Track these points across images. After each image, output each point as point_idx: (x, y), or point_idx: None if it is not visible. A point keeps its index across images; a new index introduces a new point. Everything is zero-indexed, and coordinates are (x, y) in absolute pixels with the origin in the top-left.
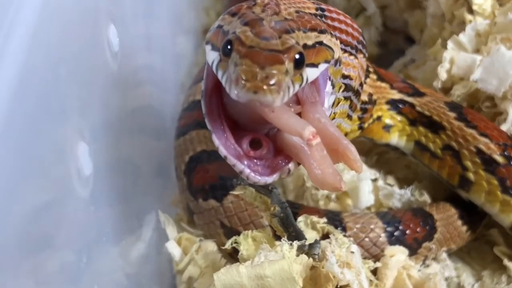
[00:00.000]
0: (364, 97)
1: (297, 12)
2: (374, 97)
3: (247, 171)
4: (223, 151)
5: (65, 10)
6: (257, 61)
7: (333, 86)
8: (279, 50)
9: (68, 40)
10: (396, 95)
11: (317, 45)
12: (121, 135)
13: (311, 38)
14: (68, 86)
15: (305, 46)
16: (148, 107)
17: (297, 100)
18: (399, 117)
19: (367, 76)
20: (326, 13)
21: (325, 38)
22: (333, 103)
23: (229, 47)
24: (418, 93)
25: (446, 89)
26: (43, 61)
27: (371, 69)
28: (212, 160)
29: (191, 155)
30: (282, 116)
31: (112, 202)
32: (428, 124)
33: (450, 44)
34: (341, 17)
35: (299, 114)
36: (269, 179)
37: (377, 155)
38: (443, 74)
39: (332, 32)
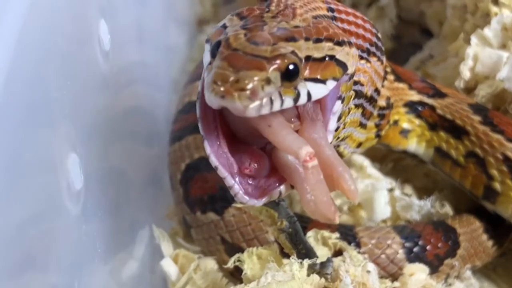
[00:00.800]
0: (382, 102)
1: (315, 17)
2: (392, 100)
3: (237, 188)
4: (214, 161)
5: (54, 5)
6: (234, 65)
7: (342, 101)
8: (265, 56)
9: (57, 38)
10: (414, 96)
11: (326, 59)
12: (111, 142)
13: (322, 49)
14: (56, 89)
15: (308, 58)
16: (139, 109)
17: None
18: (417, 121)
19: (384, 79)
20: (335, 13)
21: (340, 52)
22: (341, 116)
23: (218, 49)
24: (439, 94)
25: (469, 89)
26: (30, 62)
27: (388, 69)
28: (211, 168)
29: (188, 163)
30: (279, 131)
31: (103, 218)
32: (450, 129)
33: (473, 39)
34: (351, 18)
35: (298, 131)
36: (257, 203)
37: (393, 162)
38: (466, 73)
39: (352, 40)
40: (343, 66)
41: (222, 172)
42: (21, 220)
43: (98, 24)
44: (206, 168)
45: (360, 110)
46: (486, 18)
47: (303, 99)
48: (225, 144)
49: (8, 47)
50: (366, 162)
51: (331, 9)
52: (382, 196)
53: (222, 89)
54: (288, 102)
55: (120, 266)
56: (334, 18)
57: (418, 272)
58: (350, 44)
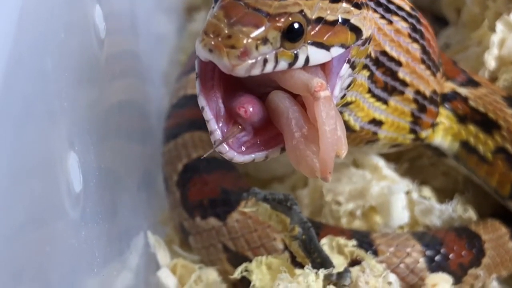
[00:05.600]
0: (426, 90)
1: None
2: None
3: (218, 134)
4: (202, 100)
5: None
6: (231, 16)
7: (353, 68)
8: (267, 12)
9: (54, 25)
10: (448, 86)
11: (338, 23)
12: (105, 139)
13: (337, 11)
14: (55, 83)
15: (319, 20)
16: (131, 103)
17: None
18: (447, 113)
19: (438, 71)
20: None
21: (356, 16)
22: (351, 84)
23: None
24: (472, 83)
25: (494, 80)
26: (28, 54)
27: (441, 60)
28: (212, 169)
29: (186, 163)
30: (289, 70)
31: (100, 224)
32: (481, 122)
33: (499, 25)
34: None
35: None
36: (237, 157)
37: (408, 161)
38: (491, 62)
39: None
40: (357, 31)
41: (208, 114)
42: (19, 224)
43: (94, 9)
44: (205, 169)
45: (366, 72)
46: (508, 4)
47: (299, 64)
48: (219, 88)
49: (6, 38)
50: (381, 163)
51: None
52: (399, 200)
53: (212, 42)
54: (282, 65)
55: (113, 277)
56: None
57: (441, 283)
58: (367, 6)
